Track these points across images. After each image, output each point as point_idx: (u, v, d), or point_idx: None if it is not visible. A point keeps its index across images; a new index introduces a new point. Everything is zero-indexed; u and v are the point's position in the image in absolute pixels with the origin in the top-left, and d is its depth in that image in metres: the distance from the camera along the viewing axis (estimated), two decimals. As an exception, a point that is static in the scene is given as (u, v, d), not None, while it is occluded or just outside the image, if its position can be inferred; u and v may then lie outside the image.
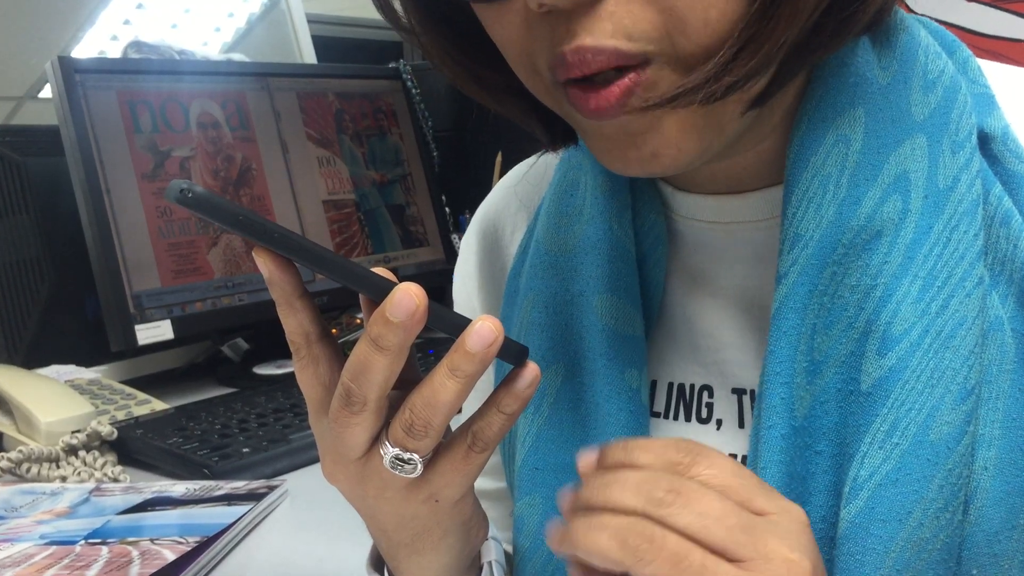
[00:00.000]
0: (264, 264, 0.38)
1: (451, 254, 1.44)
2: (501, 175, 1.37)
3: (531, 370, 0.41)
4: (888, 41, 0.45)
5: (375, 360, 0.38)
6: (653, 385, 0.52)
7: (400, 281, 0.38)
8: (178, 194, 0.34)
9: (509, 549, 0.63)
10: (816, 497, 0.43)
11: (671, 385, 0.51)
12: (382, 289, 0.37)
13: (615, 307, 0.50)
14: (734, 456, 0.48)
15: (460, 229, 1.45)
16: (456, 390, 0.39)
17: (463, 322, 0.39)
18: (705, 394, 0.50)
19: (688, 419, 0.50)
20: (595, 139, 0.42)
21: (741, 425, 0.48)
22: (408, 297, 0.37)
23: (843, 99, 0.43)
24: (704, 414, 0.50)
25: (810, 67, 0.44)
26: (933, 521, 0.39)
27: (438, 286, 1.47)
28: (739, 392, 0.49)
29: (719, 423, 0.49)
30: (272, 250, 0.38)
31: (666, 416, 0.51)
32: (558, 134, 0.50)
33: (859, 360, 0.42)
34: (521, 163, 0.64)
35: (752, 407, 0.47)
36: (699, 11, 0.36)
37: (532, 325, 0.53)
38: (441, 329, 0.39)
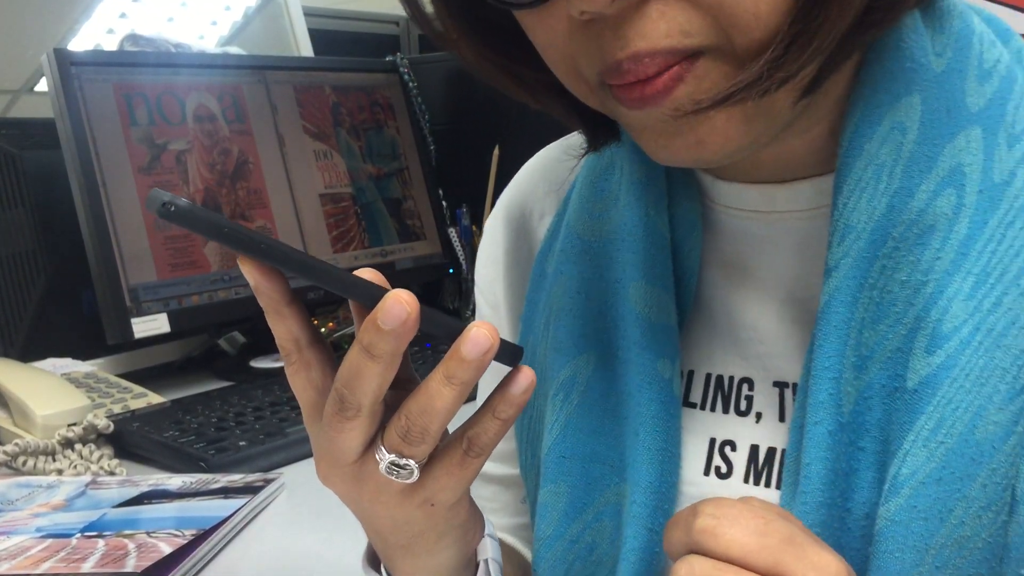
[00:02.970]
0: (250, 273, 0.38)
1: (448, 248, 1.44)
2: (499, 168, 1.37)
3: (526, 375, 0.41)
4: (941, 26, 0.44)
5: (367, 367, 0.37)
6: (690, 376, 0.51)
7: (390, 280, 0.38)
8: (160, 207, 0.34)
9: (510, 540, 0.63)
10: (860, 493, 0.42)
11: (708, 376, 0.50)
12: (373, 296, 0.37)
13: (649, 295, 0.49)
14: (773, 450, 0.47)
15: (457, 223, 1.45)
16: (452, 397, 0.38)
17: (457, 327, 0.38)
18: (745, 387, 0.49)
19: (726, 411, 0.49)
20: (640, 132, 0.42)
21: (782, 419, 0.48)
22: (399, 305, 0.36)
23: (899, 85, 0.42)
24: (743, 406, 0.49)
25: (862, 49, 0.43)
26: (975, 520, 0.39)
27: (435, 280, 1.47)
28: (781, 385, 0.48)
29: (759, 416, 0.48)
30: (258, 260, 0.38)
31: (703, 407, 0.50)
32: (600, 133, 0.49)
33: (906, 357, 0.41)
34: (548, 147, 0.63)
35: (794, 400, 0.47)
36: (748, 6, 0.36)
37: (563, 310, 0.52)
38: (435, 334, 0.38)
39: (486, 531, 0.49)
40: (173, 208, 0.34)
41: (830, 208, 0.44)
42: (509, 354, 0.40)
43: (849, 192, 0.42)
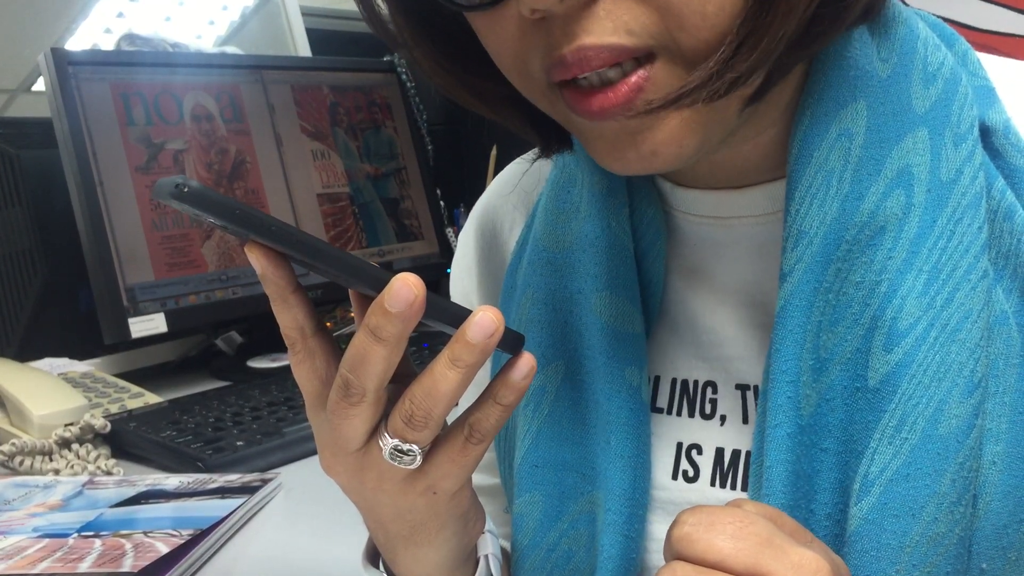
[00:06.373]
0: (257, 260, 0.38)
1: (446, 248, 1.44)
2: (496, 169, 1.37)
3: (526, 361, 0.41)
4: (887, 33, 0.45)
5: (374, 351, 0.38)
6: (656, 381, 0.51)
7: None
8: (173, 189, 0.33)
9: (504, 544, 0.63)
10: (822, 495, 0.43)
11: (674, 381, 0.51)
12: (380, 281, 0.37)
13: (614, 305, 0.49)
14: (738, 452, 0.48)
15: (455, 223, 1.45)
16: (457, 380, 0.39)
17: (463, 312, 0.39)
18: (709, 390, 0.50)
19: (692, 415, 0.50)
20: (593, 141, 0.42)
21: (745, 421, 0.48)
22: (407, 287, 0.36)
23: (844, 92, 0.43)
24: (708, 410, 0.49)
25: (808, 59, 0.44)
26: (947, 516, 0.39)
27: (433, 280, 1.47)
28: (743, 388, 0.49)
29: (723, 419, 0.49)
30: (266, 245, 0.38)
31: (669, 412, 0.51)
32: (552, 140, 0.50)
33: (865, 356, 0.42)
34: (519, 158, 0.64)
35: (756, 403, 0.47)
36: (695, 6, 0.36)
37: (531, 322, 0.53)
38: (440, 320, 0.39)
39: (487, 526, 0.49)
40: (187, 189, 0.33)
41: (783, 213, 0.44)
42: (511, 341, 0.41)
43: (800, 199, 0.43)
